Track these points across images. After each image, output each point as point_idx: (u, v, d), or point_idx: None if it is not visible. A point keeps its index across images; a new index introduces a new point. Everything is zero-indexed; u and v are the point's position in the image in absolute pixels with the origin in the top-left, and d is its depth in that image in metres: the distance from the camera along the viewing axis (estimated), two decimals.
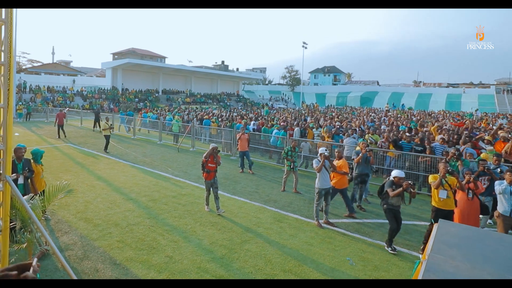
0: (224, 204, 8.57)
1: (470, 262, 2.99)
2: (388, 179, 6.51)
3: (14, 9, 3.70)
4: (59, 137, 18.57)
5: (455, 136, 12.69)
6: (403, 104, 55.91)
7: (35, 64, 60.92)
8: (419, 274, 2.86)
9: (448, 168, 6.40)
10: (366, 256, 6.10)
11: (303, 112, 33.79)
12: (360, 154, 8.88)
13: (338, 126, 16.57)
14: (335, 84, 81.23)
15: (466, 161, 8.90)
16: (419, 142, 11.32)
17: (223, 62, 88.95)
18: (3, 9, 3.85)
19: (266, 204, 8.82)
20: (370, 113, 33.06)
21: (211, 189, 8.08)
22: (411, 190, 6.08)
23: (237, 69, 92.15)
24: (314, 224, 7.50)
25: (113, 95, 43.52)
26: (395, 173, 6.36)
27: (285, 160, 10.09)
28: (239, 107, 45.00)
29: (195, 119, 20.36)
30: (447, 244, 3.32)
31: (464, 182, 6.30)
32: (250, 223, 7.47)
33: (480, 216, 6.64)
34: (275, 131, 14.73)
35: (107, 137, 14.88)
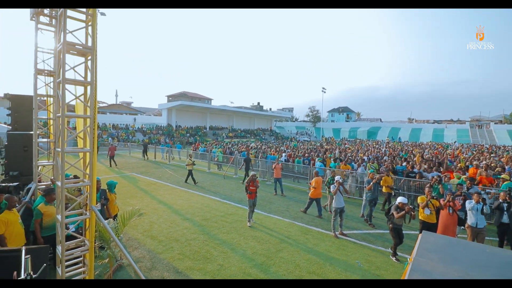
0: (261, 221, 8.89)
1: (444, 263, 3.39)
2: (394, 203, 6.90)
3: (97, 73, 3.96)
4: (111, 166, 18.90)
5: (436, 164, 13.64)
6: (399, 137, 61.06)
7: (101, 105, 61.27)
8: (406, 272, 3.15)
9: (433, 195, 7.07)
10: (370, 259, 6.51)
11: (323, 144, 33.92)
12: (371, 183, 9.26)
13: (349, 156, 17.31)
14: (347, 121, 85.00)
15: (445, 184, 9.57)
16: (410, 169, 12.11)
17: (258, 103, 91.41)
18: (89, 73, 4.25)
19: (295, 220, 9.06)
20: (374, 145, 34.53)
21: (252, 206, 8.64)
22: (412, 213, 6.58)
23: (270, 109, 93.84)
24: (332, 235, 7.83)
25: (168, 131, 44.65)
26: (400, 199, 6.77)
27: (328, 187, 10.21)
28: (272, 141, 45.16)
29: (236, 151, 20.65)
30: (428, 250, 3.73)
31: (446, 201, 6.84)
32: (283, 236, 7.73)
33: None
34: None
35: (190, 171, 14.42)
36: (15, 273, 2.53)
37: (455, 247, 3.93)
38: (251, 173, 8.90)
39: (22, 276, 2.40)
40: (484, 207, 6.67)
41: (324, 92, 65.66)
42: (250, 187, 8.59)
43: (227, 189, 13.15)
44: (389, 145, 36.65)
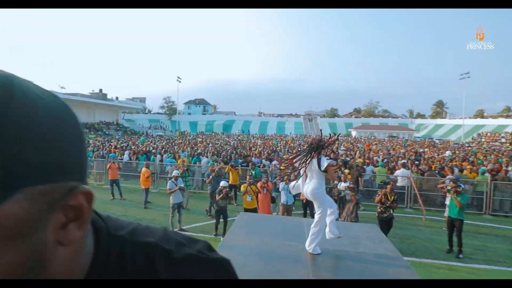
0: None
1: (247, 236, 4.16)
2: (218, 188, 8.00)
3: None
4: None
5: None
6: (248, 130, 69.76)
7: None
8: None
9: (250, 180, 8.27)
10: None
11: (174, 139, 34.12)
12: (211, 176, 9.97)
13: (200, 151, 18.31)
14: (204, 114, 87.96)
15: (258, 170, 11.28)
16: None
17: (101, 90, 79.90)
18: None
19: None
20: (227, 138, 39.65)
21: None
22: (229, 195, 7.97)
23: (117, 98, 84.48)
24: None
25: None
26: (221, 183, 7.96)
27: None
28: (117, 137, 40.95)
29: None
30: (238, 227, 4.48)
31: (262, 182, 8.18)
32: None
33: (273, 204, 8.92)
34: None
35: None
36: None
37: (261, 222, 5.02)
38: None
39: None
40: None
41: (180, 81, 64.76)
42: None
43: None
44: (239, 137, 41.55)
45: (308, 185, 3.96)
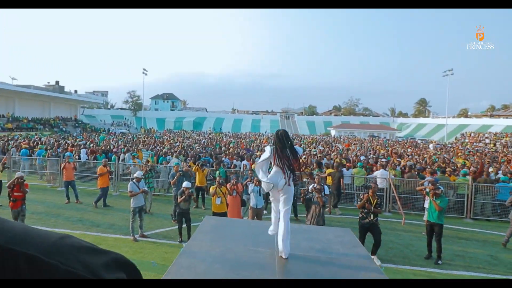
0: None
1: (212, 241, 4.18)
2: (181, 189, 8.01)
3: None
4: None
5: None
6: (220, 128, 69.83)
7: None
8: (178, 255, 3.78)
9: (220, 181, 8.21)
10: (167, 256, 7.16)
11: (139, 137, 33.34)
12: (175, 177, 10.02)
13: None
14: (172, 110, 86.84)
15: (222, 169, 11.52)
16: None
17: (57, 82, 76.85)
18: None
19: (88, 230, 8.83)
20: (197, 136, 40.51)
21: (18, 217, 7.75)
22: (192, 196, 7.94)
23: (76, 91, 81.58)
24: (130, 239, 8.04)
25: None
26: (184, 184, 8.00)
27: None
28: (75, 134, 39.51)
29: (14, 148, 17.00)
30: (202, 232, 4.48)
31: (231, 184, 8.21)
32: None
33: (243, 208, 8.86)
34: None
35: None
36: None
37: (228, 226, 5.01)
38: (16, 174, 7.99)
39: None
40: (261, 189, 7.86)
41: (146, 74, 63.35)
42: (15, 193, 7.63)
43: None
44: (210, 136, 41.95)
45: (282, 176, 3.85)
